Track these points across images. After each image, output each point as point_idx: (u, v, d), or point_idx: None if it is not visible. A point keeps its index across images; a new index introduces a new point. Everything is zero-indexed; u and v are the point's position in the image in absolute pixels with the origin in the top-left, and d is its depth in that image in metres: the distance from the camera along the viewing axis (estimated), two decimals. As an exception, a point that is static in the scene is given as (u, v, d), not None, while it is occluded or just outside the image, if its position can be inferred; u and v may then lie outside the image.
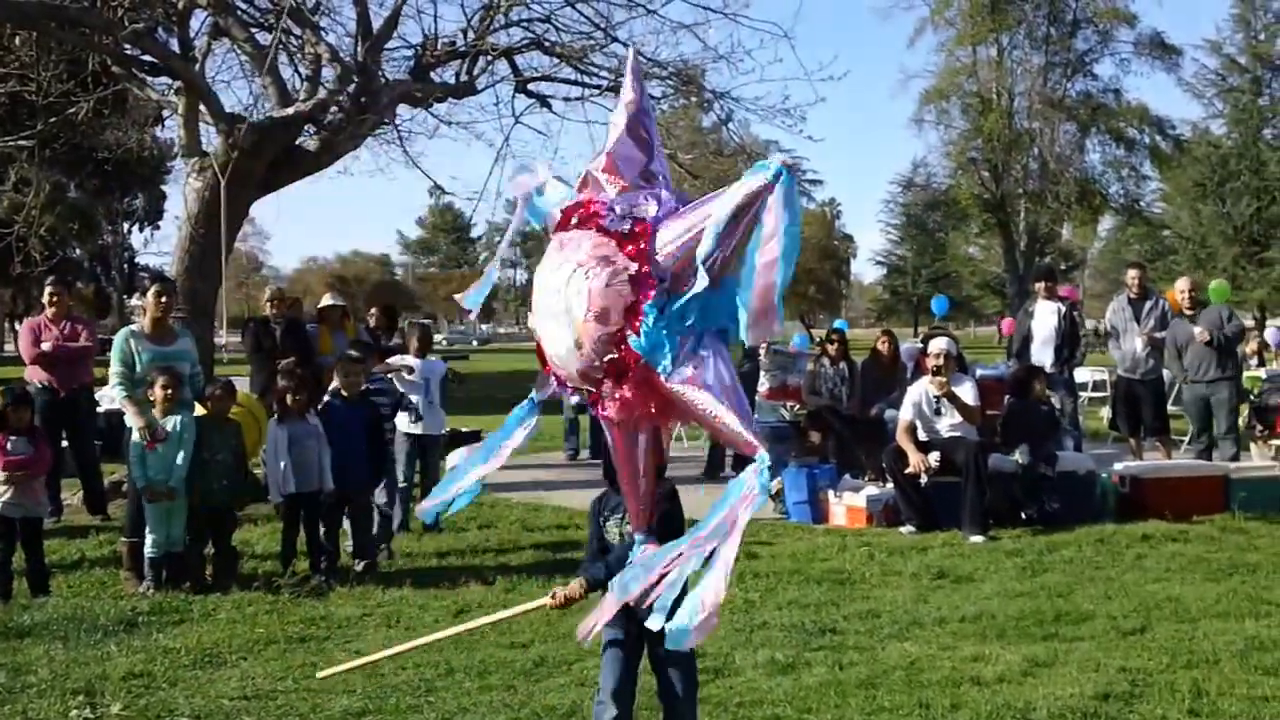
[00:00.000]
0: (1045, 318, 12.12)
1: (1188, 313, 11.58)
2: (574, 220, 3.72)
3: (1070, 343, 12.05)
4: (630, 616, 4.11)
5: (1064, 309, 12.11)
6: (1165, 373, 12.21)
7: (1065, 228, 49.30)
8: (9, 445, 7.20)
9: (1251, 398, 13.55)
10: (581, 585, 4.27)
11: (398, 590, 7.36)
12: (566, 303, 3.61)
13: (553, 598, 4.31)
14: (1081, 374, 15.52)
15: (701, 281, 3.39)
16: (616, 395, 3.62)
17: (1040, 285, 12.60)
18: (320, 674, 4.17)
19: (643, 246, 3.53)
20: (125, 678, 5.65)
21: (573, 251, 3.65)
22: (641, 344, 3.47)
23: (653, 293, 3.49)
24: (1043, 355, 11.94)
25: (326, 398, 8.29)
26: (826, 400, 11.60)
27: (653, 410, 3.64)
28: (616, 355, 3.54)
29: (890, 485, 9.58)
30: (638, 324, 3.47)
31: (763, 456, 3.30)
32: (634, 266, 3.50)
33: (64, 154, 18.46)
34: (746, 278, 3.30)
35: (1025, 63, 43.66)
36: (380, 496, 8.67)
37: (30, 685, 5.56)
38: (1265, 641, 6.00)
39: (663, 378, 3.47)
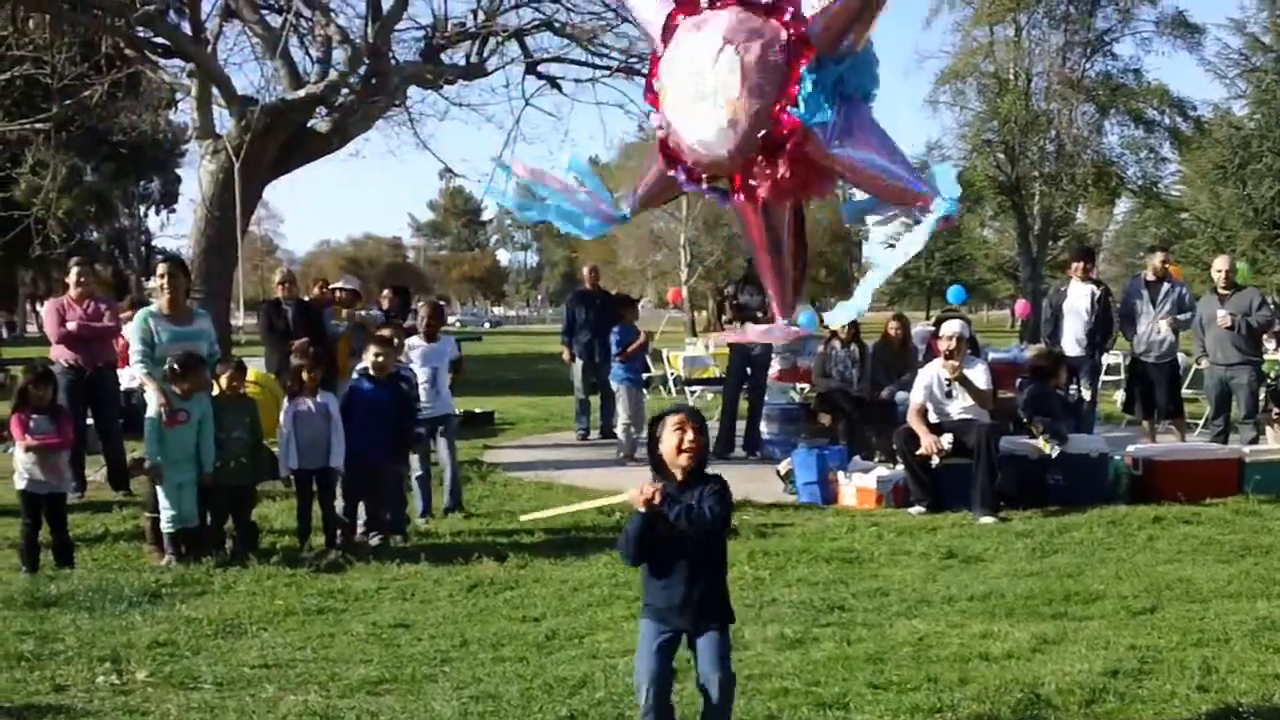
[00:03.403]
0: (1079, 300, 12.06)
1: (1223, 292, 11.52)
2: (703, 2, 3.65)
3: (1103, 327, 12.00)
4: (682, 613, 4.08)
5: (1098, 292, 12.04)
6: (1180, 355, 12.19)
7: (1081, 210, 49.08)
8: (32, 423, 7.31)
9: (1270, 381, 13.53)
10: (662, 495, 3.98)
11: (413, 565, 7.46)
12: (716, 82, 3.52)
13: (640, 492, 4.00)
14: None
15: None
16: (769, 172, 3.55)
17: (1077, 265, 12.44)
18: (523, 517, 4.11)
19: (791, 13, 3.49)
20: (150, 646, 5.78)
21: (714, 29, 3.57)
22: (801, 111, 3.44)
23: (807, 59, 3.45)
24: (1073, 337, 11.91)
25: (355, 376, 8.42)
26: (837, 383, 11.64)
27: (807, 182, 3.59)
28: (772, 128, 3.48)
29: (900, 466, 9.62)
30: (794, 92, 3.44)
31: (940, 205, 3.36)
32: (785, 34, 3.47)
33: (80, 137, 18.59)
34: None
35: (1043, 42, 43.31)
36: (417, 468, 8.90)
37: (58, 653, 5.69)
38: (1276, 621, 6.03)
39: (821, 143, 3.44)
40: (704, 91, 3.54)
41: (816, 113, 3.42)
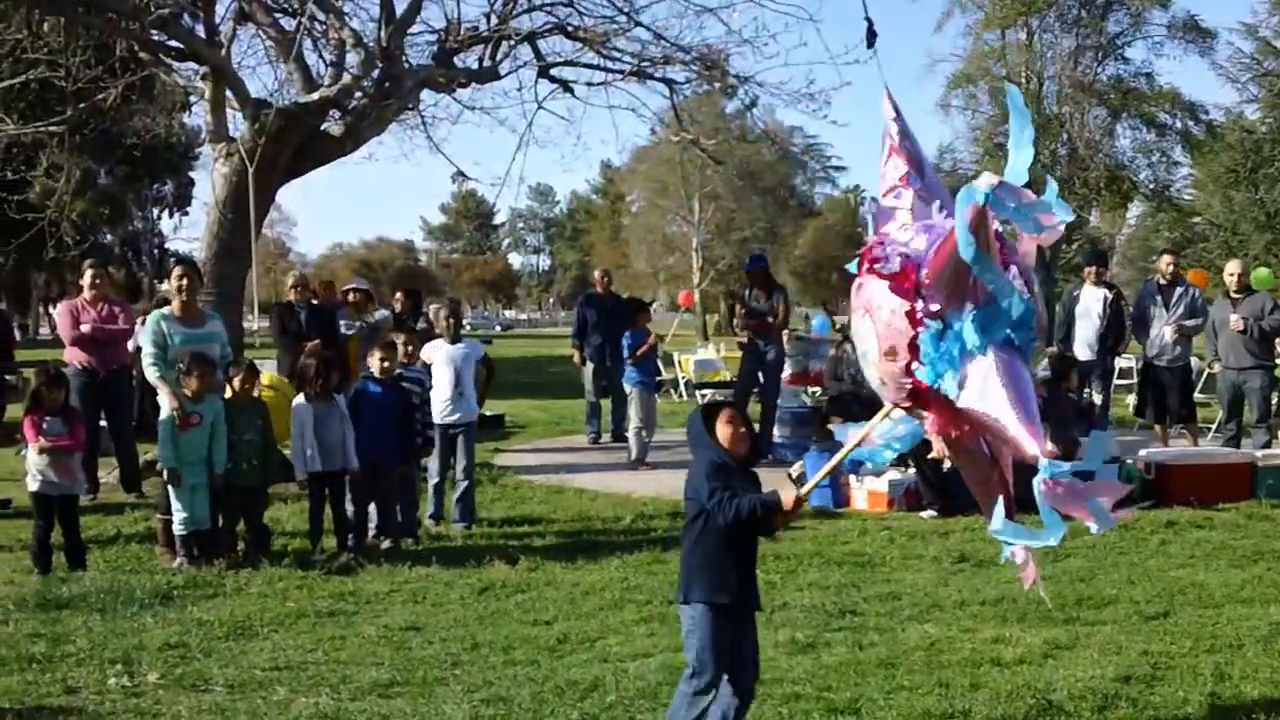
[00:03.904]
0: (1091, 303, 12.04)
1: (1235, 296, 11.48)
2: (864, 266, 4.12)
3: (1115, 330, 11.98)
4: (730, 611, 4.25)
5: (1111, 296, 12.02)
6: (1193, 360, 12.13)
7: (1093, 214, 48.94)
8: (45, 425, 7.34)
9: (1280, 386, 13.47)
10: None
11: (424, 568, 7.47)
12: (863, 346, 4.06)
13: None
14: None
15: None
16: (927, 418, 4.06)
17: (1090, 270, 12.46)
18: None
19: (909, 284, 3.88)
20: (161, 648, 5.81)
21: (858, 297, 4.12)
22: (925, 372, 3.86)
23: (923, 326, 3.85)
24: (1085, 341, 11.89)
25: (362, 379, 8.43)
26: (849, 386, 11.61)
27: (965, 428, 4.01)
28: (910, 385, 3.94)
29: (912, 470, 9.60)
30: (919, 355, 3.87)
31: (1044, 465, 3.61)
32: (904, 305, 3.87)
33: (94, 140, 18.63)
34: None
35: (1055, 46, 43.23)
36: (434, 474, 8.98)
37: (70, 654, 5.71)
38: (1289, 627, 6.01)
39: (953, 398, 3.83)
40: (862, 352, 4.18)
41: (938, 374, 3.86)
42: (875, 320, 3.98)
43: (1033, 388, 3.92)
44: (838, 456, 4.57)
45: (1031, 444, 3.68)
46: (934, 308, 3.85)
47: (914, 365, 3.90)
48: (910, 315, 3.88)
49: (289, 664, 5.59)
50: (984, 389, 3.77)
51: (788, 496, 4.14)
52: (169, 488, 7.60)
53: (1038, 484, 3.62)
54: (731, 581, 4.23)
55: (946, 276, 3.80)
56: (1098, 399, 11.99)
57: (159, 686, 5.27)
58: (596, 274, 15.04)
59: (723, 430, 4.30)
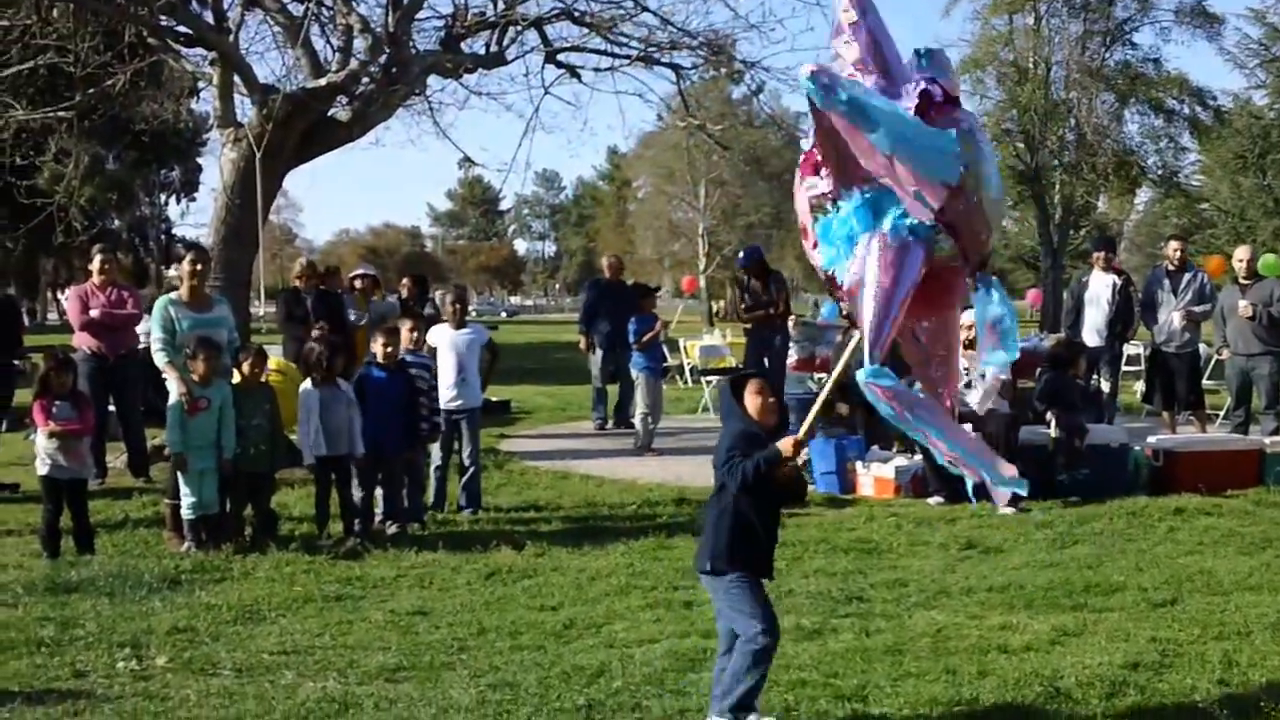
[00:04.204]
0: (1100, 289, 12.00)
1: (1244, 282, 11.43)
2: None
3: (1124, 317, 11.95)
4: (767, 559, 4.46)
5: (1120, 282, 11.98)
6: (1201, 347, 12.08)
7: (1101, 200, 48.81)
8: (54, 409, 7.36)
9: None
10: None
11: (431, 553, 7.48)
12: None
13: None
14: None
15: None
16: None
17: (1099, 255, 12.40)
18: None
19: (809, 166, 3.90)
20: (170, 632, 5.83)
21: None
22: (822, 256, 3.87)
23: (824, 210, 3.85)
24: (1093, 327, 11.86)
25: (365, 364, 8.42)
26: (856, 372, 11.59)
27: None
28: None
29: (918, 457, 9.59)
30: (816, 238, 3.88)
31: (867, 369, 3.63)
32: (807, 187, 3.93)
33: (102, 126, 18.62)
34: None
35: (1063, 31, 43.06)
36: (437, 458, 8.93)
37: (78, 638, 5.73)
38: (1297, 614, 6.00)
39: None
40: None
41: (836, 254, 3.86)
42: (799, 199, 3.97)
43: (917, 276, 3.82)
44: (828, 385, 4.66)
45: (872, 343, 3.62)
46: (826, 189, 3.82)
47: (814, 248, 3.83)
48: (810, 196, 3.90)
49: (296, 648, 5.60)
50: (864, 276, 3.73)
51: (785, 443, 4.30)
52: (177, 473, 7.62)
53: (865, 384, 3.63)
54: (760, 550, 4.44)
55: (833, 157, 3.72)
56: (1105, 386, 11.96)
57: (167, 670, 5.29)
58: (606, 260, 15.01)
59: (751, 401, 4.46)
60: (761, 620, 4.35)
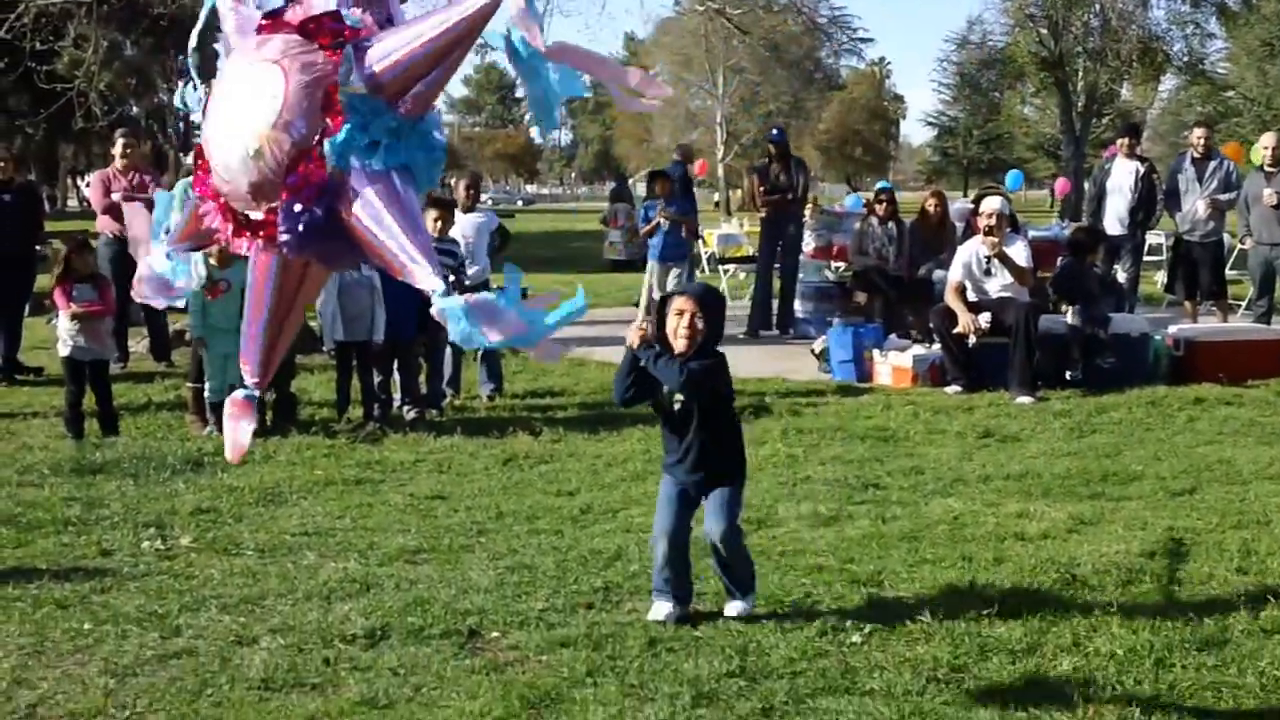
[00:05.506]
0: (1123, 177, 11.80)
1: (1269, 170, 11.21)
2: (273, 25, 3.33)
3: (1147, 205, 11.77)
4: (692, 472, 4.42)
5: (1143, 169, 11.78)
6: (1225, 236, 11.91)
7: (1125, 87, 47.89)
8: (75, 291, 7.37)
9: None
10: (643, 339, 4.38)
11: (449, 438, 7.52)
12: (253, 106, 3.18)
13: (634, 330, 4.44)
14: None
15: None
16: (297, 215, 3.16)
17: (1123, 141, 12.20)
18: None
19: (341, 49, 3.17)
20: (193, 513, 5.91)
21: (269, 51, 3.24)
22: (332, 149, 3.11)
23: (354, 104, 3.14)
24: (1116, 215, 11.70)
25: None
26: (874, 260, 11.51)
27: (329, 238, 3.21)
28: (302, 169, 3.14)
29: (937, 345, 9.55)
30: (331, 133, 3.12)
31: (438, 291, 3.07)
32: (334, 68, 3.14)
33: (120, 10, 18.35)
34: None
35: (1089, -88, 41.84)
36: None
37: (104, 518, 5.82)
38: (1317, 503, 5.99)
39: (350, 195, 3.13)
40: (237, 114, 3.22)
41: (343, 158, 3.09)
42: (290, 79, 3.13)
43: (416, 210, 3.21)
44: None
45: (412, 259, 3.09)
46: (375, 91, 3.12)
47: (320, 145, 3.06)
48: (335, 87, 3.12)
49: (318, 530, 5.66)
50: (383, 192, 3.11)
51: (632, 329, 4.40)
52: (200, 356, 7.65)
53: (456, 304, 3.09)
54: (676, 458, 4.47)
55: (405, 68, 3.10)
56: (1122, 277, 11.85)
57: (191, 550, 5.36)
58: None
59: (668, 321, 4.37)
60: (655, 535, 4.47)
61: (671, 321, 4.34)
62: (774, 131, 13.60)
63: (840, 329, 10.08)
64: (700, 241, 20.07)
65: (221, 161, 3.30)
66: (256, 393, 3.66)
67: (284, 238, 3.18)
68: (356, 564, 5.14)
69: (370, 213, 3.13)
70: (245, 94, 3.23)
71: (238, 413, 3.61)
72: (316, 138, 3.12)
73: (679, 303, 4.37)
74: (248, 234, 3.32)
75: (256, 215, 3.28)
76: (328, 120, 3.14)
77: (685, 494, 4.49)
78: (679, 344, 4.32)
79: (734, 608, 4.50)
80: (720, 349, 4.49)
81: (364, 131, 3.13)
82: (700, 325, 4.32)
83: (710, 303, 4.44)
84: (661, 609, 4.46)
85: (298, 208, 3.15)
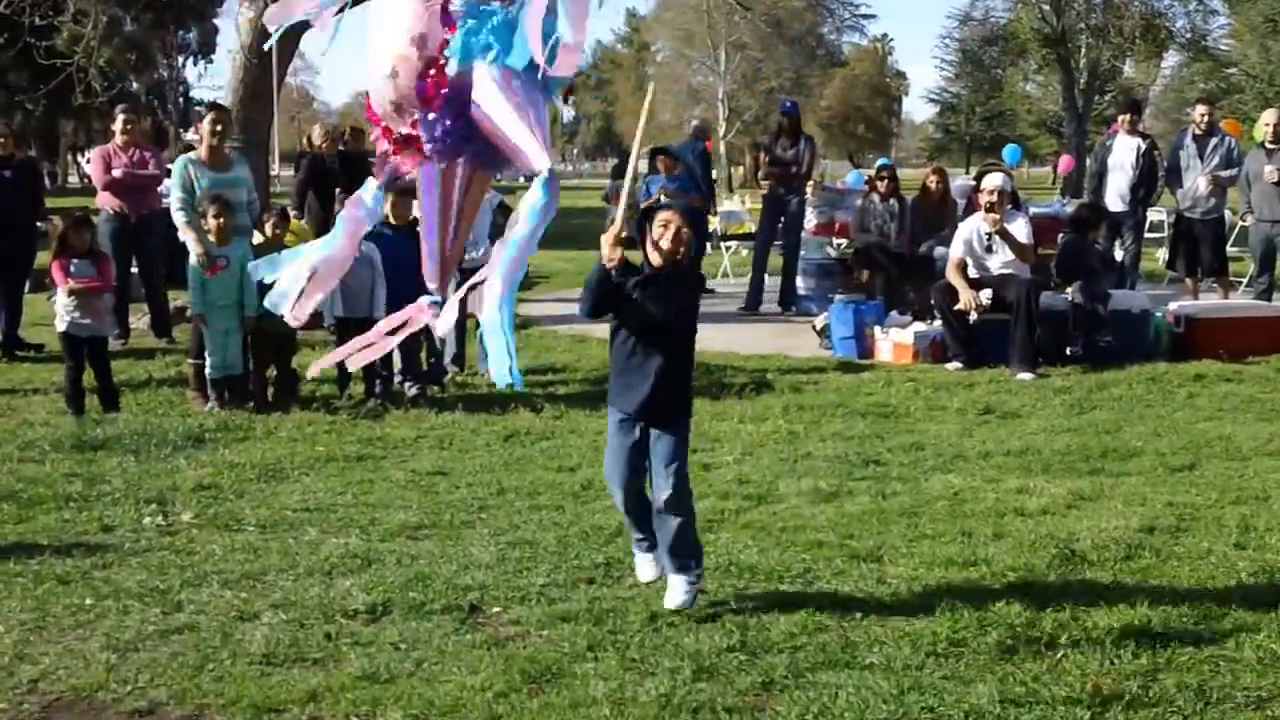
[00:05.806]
0: (1124, 153, 11.77)
1: (1270, 147, 11.17)
2: None
3: (1148, 181, 11.74)
4: (648, 399, 4.26)
5: (1144, 146, 11.75)
6: (1226, 213, 11.88)
7: (1128, 64, 47.70)
8: (73, 267, 7.36)
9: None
10: (616, 251, 4.15)
11: (450, 415, 7.53)
12: (388, 32, 3.53)
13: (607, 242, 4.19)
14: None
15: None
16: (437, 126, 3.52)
17: (1124, 118, 12.16)
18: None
19: None
20: (194, 489, 5.92)
21: None
22: (453, 56, 3.46)
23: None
24: (1117, 192, 11.68)
25: (375, 227, 8.33)
26: (875, 237, 11.49)
27: (466, 148, 3.58)
28: (428, 80, 3.47)
29: (938, 322, 9.54)
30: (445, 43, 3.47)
31: (544, 173, 3.40)
32: None
33: (119, -16, 18.31)
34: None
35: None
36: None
37: (105, 494, 5.83)
38: (1315, 479, 6.00)
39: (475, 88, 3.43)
40: (379, 44, 3.55)
41: (466, 54, 3.43)
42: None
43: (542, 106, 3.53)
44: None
45: (533, 145, 3.43)
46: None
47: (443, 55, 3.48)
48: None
49: (319, 505, 5.68)
50: (490, 95, 3.44)
51: (606, 237, 4.13)
52: (201, 332, 7.65)
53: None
54: (623, 378, 4.32)
55: None
56: (1119, 253, 11.83)
57: (193, 525, 5.38)
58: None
59: (652, 231, 4.23)
60: (606, 471, 4.44)
61: (657, 232, 4.20)
62: (787, 104, 13.69)
63: (841, 306, 10.07)
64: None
65: (374, 87, 3.63)
66: (439, 298, 3.98)
67: (428, 146, 3.53)
68: (358, 540, 5.15)
69: (488, 104, 3.42)
70: (383, 23, 3.56)
71: (415, 314, 3.95)
72: (438, 50, 3.44)
73: (665, 215, 4.24)
74: (404, 150, 3.64)
75: (408, 131, 3.58)
76: (447, 33, 3.45)
77: (632, 433, 4.31)
78: (662, 256, 4.19)
79: (674, 598, 4.29)
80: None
81: (477, 35, 3.43)
82: (686, 235, 4.22)
83: (694, 218, 4.40)
84: (644, 570, 4.47)
85: (431, 116, 3.48)
